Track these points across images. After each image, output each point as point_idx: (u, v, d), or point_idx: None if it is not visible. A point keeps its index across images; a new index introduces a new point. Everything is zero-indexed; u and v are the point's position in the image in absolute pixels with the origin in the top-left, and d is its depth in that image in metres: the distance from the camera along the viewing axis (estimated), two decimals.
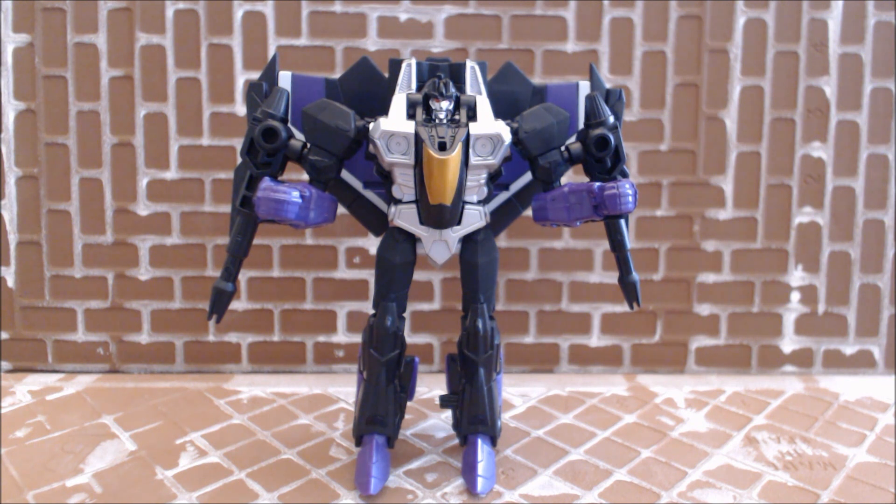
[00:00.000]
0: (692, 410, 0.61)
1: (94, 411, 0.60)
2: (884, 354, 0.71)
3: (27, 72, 0.67)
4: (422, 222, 0.47)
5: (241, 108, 0.68)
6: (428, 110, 0.46)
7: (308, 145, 0.47)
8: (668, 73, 0.69)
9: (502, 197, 0.54)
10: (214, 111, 0.68)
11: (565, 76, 0.68)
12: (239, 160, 0.49)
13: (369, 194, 0.53)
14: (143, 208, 0.69)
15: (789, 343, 0.71)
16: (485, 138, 0.46)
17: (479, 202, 0.48)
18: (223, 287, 0.48)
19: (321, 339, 0.70)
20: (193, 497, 0.47)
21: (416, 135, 0.45)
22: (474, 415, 0.49)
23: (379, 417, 0.49)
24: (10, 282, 0.69)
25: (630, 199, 0.46)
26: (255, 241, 0.57)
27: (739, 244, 0.70)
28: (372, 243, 0.69)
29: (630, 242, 0.57)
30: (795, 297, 0.71)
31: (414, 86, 0.49)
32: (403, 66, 0.49)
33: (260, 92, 0.49)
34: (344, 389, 0.65)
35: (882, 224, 0.70)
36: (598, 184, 0.47)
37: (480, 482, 0.48)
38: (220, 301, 0.48)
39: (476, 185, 0.47)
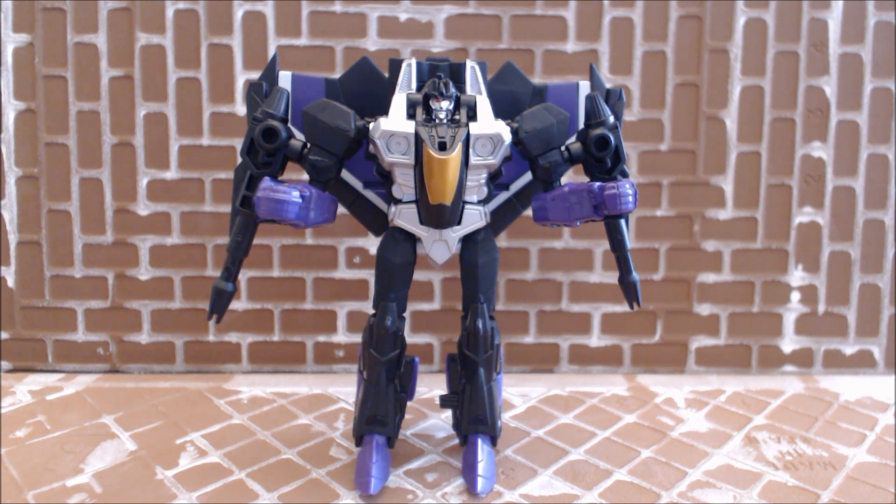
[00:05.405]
0: (692, 410, 0.61)
1: (94, 411, 0.60)
2: (884, 354, 0.71)
3: (27, 72, 0.67)
4: (422, 222, 0.47)
5: (241, 108, 0.68)
6: (428, 110, 0.46)
7: (308, 145, 0.47)
8: (668, 73, 0.68)
9: (502, 197, 0.54)
10: (214, 111, 0.68)
11: (565, 76, 0.68)
12: (239, 160, 0.49)
13: (369, 194, 0.53)
14: (143, 208, 0.69)
15: (789, 343, 0.71)
16: (485, 138, 0.46)
17: (479, 202, 0.48)
18: (223, 287, 0.48)
19: (321, 339, 0.70)
20: (193, 497, 0.47)
21: (416, 135, 0.45)
22: (474, 415, 0.49)
23: (379, 417, 0.49)
24: (10, 282, 0.69)
25: (630, 198, 0.46)
26: (255, 241, 0.57)
27: (739, 244, 0.70)
28: (372, 243, 0.69)
29: (630, 242, 0.57)
30: (795, 297, 0.71)
31: (414, 86, 0.49)
32: (403, 65, 0.49)
33: (260, 92, 0.49)
34: (344, 389, 0.65)
35: (882, 224, 0.70)
36: (598, 184, 0.47)
37: (480, 482, 0.48)
38: (220, 301, 0.48)
39: (476, 185, 0.47)
